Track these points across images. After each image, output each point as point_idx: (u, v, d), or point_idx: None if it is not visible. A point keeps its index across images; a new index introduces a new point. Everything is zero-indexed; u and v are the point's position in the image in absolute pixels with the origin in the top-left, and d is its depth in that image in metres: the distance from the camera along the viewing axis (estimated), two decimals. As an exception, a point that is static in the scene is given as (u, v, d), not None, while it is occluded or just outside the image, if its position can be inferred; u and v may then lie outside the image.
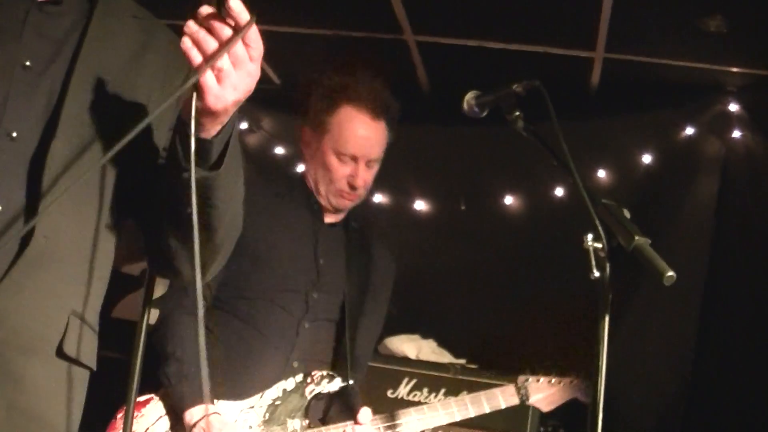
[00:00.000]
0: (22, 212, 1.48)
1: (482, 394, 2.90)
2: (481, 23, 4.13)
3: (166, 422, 2.53)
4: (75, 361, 1.59)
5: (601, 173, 4.52)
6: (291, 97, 4.94)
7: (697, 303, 4.31)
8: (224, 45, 1.35)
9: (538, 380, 2.99)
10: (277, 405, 2.59)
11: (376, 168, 2.79)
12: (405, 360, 4.15)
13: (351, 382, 2.70)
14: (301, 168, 4.90)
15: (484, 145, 4.61)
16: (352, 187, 2.71)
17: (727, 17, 3.69)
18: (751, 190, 4.31)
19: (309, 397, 2.64)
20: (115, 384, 1.90)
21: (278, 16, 4.28)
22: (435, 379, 3.94)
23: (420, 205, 4.88)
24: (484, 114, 2.12)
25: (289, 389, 2.61)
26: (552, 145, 1.90)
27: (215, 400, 2.54)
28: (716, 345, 4.27)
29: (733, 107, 4.37)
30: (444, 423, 2.83)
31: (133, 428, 2.44)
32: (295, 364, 2.66)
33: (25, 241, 1.46)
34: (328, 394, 2.69)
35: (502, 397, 2.91)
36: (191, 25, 1.36)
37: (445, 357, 4.31)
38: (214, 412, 2.48)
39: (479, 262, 4.71)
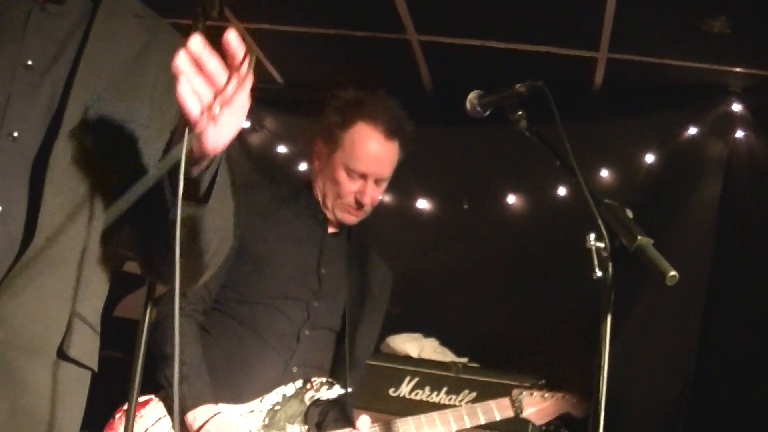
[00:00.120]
0: (24, 213, 1.47)
1: (478, 407, 2.92)
2: (484, 23, 4.12)
3: (166, 423, 2.52)
4: (76, 362, 1.58)
5: (604, 173, 4.52)
6: (294, 96, 4.99)
7: (700, 303, 4.31)
8: (222, 91, 1.33)
9: (531, 394, 3.02)
10: (277, 410, 2.59)
11: (384, 186, 2.78)
12: (407, 359, 4.15)
13: (350, 390, 2.70)
14: (303, 167, 4.94)
15: (486, 144, 4.61)
16: (359, 204, 2.70)
17: (730, 18, 3.69)
18: (754, 190, 4.31)
19: (308, 404, 2.64)
20: (115, 384, 1.90)
21: (281, 16, 4.28)
22: (437, 378, 3.94)
23: (423, 205, 4.89)
24: (487, 114, 2.12)
25: (288, 395, 2.61)
26: (555, 145, 1.90)
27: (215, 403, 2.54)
28: (718, 346, 4.27)
29: (736, 108, 4.36)
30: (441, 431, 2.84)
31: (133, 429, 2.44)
32: (295, 370, 2.65)
33: (26, 242, 1.46)
34: (326, 400, 2.68)
35: (497, 410, 2.93)
36: (184, 67, 1.31)
37: (446, 356, 4.31)
38: (218, 413, 2.48)
39: (481, 261, 4.71)
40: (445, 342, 4.41)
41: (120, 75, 1.60)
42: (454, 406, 3.83)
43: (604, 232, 1.60)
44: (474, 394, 3.91)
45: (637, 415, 4.24)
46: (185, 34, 1.81)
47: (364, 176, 2.68)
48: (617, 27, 3.89)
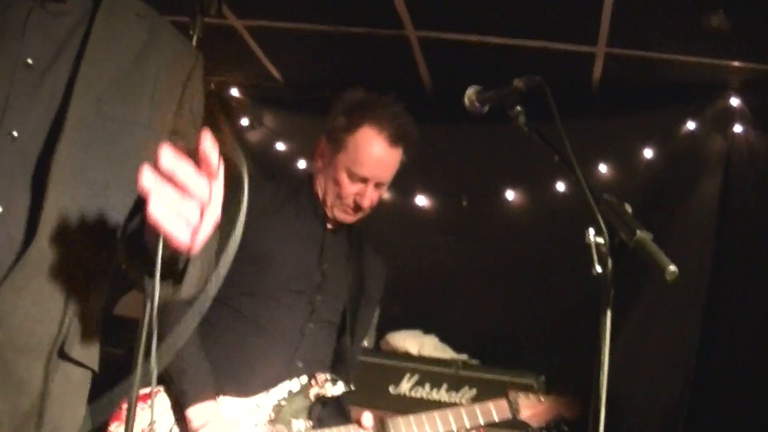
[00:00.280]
0: (25, 214, 1.47)
1: (477, 407, 2.93)
2: (483, 18, 4.12)
3: (171, 415, 2.54)
4: (77, 363, 1.58)
5: (603, 169, 4.52)
6: (292, 93, 4.99)
7: (700, 301, 4.31)
8: (197, 199, 1.26)
9: (528, 396, 3.04)
10: (283, 405, 2.61)
11: (384, 189, 2.80)
12: (407, 356, 4.16)
13: (353, 387, 2.72)
14: (302, 164, 4.94)
15: (485, 141, 4.61)
16: (358, 206, 2.73)
17: (729, 13, 3.69)
18: (754, 185, 4.31)
19: (313, 400, 2.66)
20: (116, 382, 1.89)
21: (279, 13, 4.28)
22: (437, 375, 3.95)
23: (422, 202, 4.89)
24: (486, 110, 2.12)
25: (294, 391, 2.63)
26: (553, 141, 1.89)
27: (219, 397, 2.55)
28: (719, 344, 4.27)
29: (735, 103, 4.37)
30: (441, 431, 2.83)
31: (137, 420, 2.46)
32: (300, 364, 2.67)
33: (27, 242, 1.45)
34: (330, 397, 2.70)
35: (495, 411, 2.95)
36: (152, 185, 1.22)
37: (447, 353, 4.32)
38: (217, 411, 2.49)
39: (481, 258, 4.71)
40: (444, 339, 4.41)
41: (121, 75, 1.60)
42: (455, 403, 3.84)
43: (603, 227, 1.59)
44: (474, 391, 3.91)
45: (637, 414, 4.24)
46: (184, 31, 1.81)
47: (365, 180, 2.70)
48: (615, 22, 3.89)
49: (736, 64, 4.18)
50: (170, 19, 1.76)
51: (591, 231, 1.60)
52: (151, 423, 2.52)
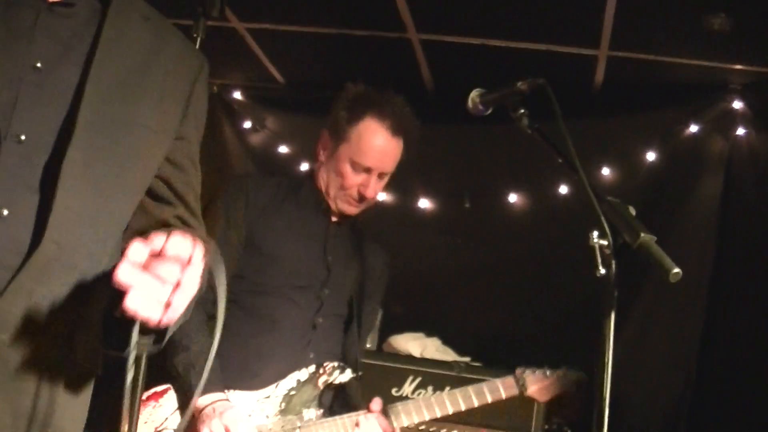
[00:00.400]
0: (32, 217, 1.46)
1: (484, 385, 2.97)
2: (485, 21, 4.12)
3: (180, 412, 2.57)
4: (80, 364, 1.58)
5: (605, 171, 4.51)
6: (295, 95, 4.99)
7: (702, 302, 4.30)
8: (173, 283, 1.31)
9: (534, 372, 3.07)
10: (292, 395, 2.65)
11: (386, 180, 2.86)
12: (409, 358, 4.15)
13: (360, 373, 2.79)
14: (305, 167, 4.94)
15: (487, 143, 4.61)
16: (362, 197, 2.76)
17: (731, 15, 3.69)
18: (756, 187, 4.30)
19: (322, 388, 2.71)
20: (117, 382, 1.89)
21: (282, 16, 4.28)
22: (439, 377, 3.94)
23: (424, 204, 4.89)
24: (489, 112, 2.13)
25: (302, 380, 2.68)
26: (556, 142, 1.90)
27: (228, 390, 2.57)
28: (720, 343, 4.26)
29: (737, 105, 4.36)
30: (450, 412, 2.89)
31: (151, 418, 2.50)
32: (312, 356, 2.73)
33: (34, 246, 1.44)
34: (339, 384, 2.74)
35: (503, 388, 2.98)
36: (129, 279, 1.29)
37: (449, 355, 4.32)
38: (225, 400, 2.52)
39: (483, 260, 4.71)
40: (447, 341, 4.41)
41: (128, 77, 1.59)
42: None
43: (607, 229, 1.59)
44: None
45: (638, 414, 4.24)
46: (187, 33, 1.81)
47: (368, 170, 2.75)
48: (618, 24, 3.89)
49: (738, 66, 4.18)
50: (173, 21, 1.76)
51: (595, 233, 1.61)
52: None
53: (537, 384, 3.04)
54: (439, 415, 2.85)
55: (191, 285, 1.35)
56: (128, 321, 1.35)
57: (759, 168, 4.31)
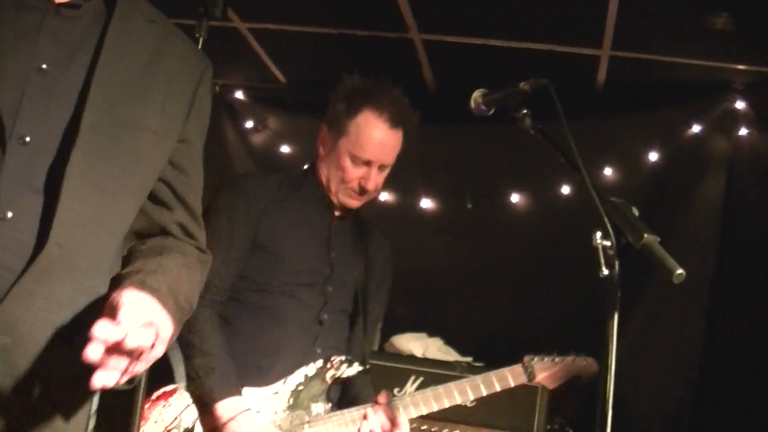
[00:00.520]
0: (37, 219, 1.46)
1: (492, 374, 2.95)
2: (487, 21, 4.12)
3: (193, 411, 2.58)
4: (84, 367, 1.58)
5: (608, 171, 4.52)
6: (297, 96, 4.99)
7: (704, 302, 4.31)
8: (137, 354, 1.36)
9: (542, 359, 3.06)
10: (300, 390, 2.66)
11: (386, 172, 2.85)
12: (411, 358, 4.15)
13: (368, 366, 2.81)
14: (306, 166, 4.94)
15: (490, 143, 4.61)
16: (363, 190, 2.77)
17: (733, 15, 3.68)
18: (758, 187, 4.30)
19: (329, 382, 2.72)
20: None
21: (284, 16, 4.28)
22: (441, 378, 3.92)
23: (426, 204, 4.89)
24: (491, 112, 2.12)
25: (310, 375, 2.69)
26: (559, 142, 1.90)
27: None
28: (722, 344, 4.26)
29: (740, 105, 4.36)
30: (459, 402, 2.88)
31: (161, 417, 2.50)
32: (318, 350, 2.73)
33: (38, 249, 1.44)
34: (347, 378, 2.75)
35: (511, 377, 2.97)
36: (97, 358, 1.32)
37: (451, 355, 4.31)
38: (247, 409, 2.52)
39: (485, 260, 4.71)
40: (449, 341, 4.41)
41: (133, 80, 1.60)
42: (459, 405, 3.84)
43: (610, 230, 1.59)
44: (478, 393, 3.91)
45: (640, 415, 4.23)
46: (189, 33, 1.81)
47: (368, 163, 2.76)
48: (620, 24, 3.89)
49: (740, 66, 4.18)
50: (175, 21, 1.76)
51: (598, 234, 1.60)
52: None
53: (545, 371, 3.04)
54: (447, 405, 2.84)
55: (156, 355, 1.40)
56: None
57: (761, 168, 4.31)
